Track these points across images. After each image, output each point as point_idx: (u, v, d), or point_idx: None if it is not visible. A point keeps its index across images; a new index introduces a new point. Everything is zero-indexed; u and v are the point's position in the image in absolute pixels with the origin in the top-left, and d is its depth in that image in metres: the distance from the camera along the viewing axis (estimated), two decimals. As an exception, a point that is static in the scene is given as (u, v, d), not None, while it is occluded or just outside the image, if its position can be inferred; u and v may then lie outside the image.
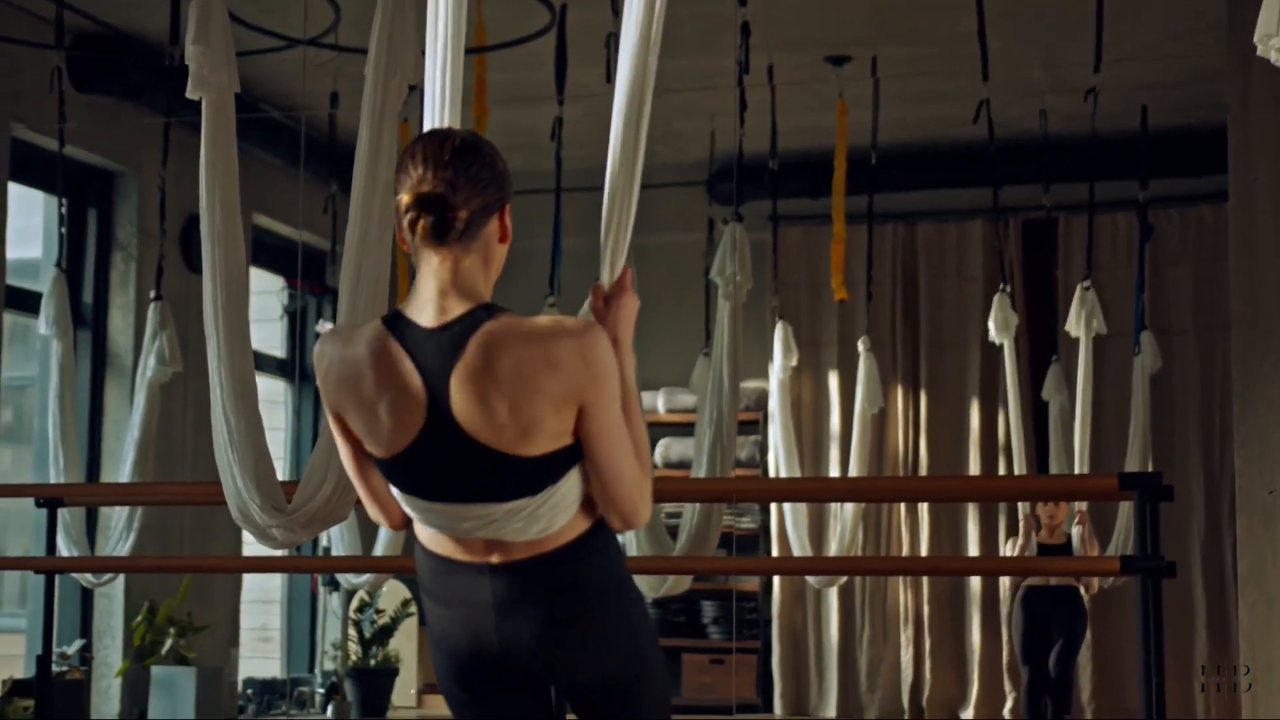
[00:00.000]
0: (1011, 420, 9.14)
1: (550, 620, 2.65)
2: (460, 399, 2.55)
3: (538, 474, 2.60)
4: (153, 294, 8.31)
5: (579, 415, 2.59)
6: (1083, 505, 8.27)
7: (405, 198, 2.63)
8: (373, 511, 2.85)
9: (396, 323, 2.64)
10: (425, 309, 2.63)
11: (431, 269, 2.65)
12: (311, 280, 11.74)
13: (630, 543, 8.41)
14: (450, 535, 2.67)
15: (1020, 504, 8.44)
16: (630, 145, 2.97)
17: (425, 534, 2.73)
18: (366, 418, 2.62)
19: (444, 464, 2.60)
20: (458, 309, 2.61)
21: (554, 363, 2.53)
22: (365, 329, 2.66)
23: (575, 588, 2.64)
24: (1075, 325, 9.08)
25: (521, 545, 2.64)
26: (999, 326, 9.11)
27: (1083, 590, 8.28)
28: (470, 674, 2.73)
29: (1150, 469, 8.91)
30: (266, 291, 11.68)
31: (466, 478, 2.60)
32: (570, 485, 2.64)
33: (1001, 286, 9.20)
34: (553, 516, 2.63)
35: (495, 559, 2.65)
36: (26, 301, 9.23)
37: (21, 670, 9.22)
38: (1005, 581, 11.25)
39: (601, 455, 2.62)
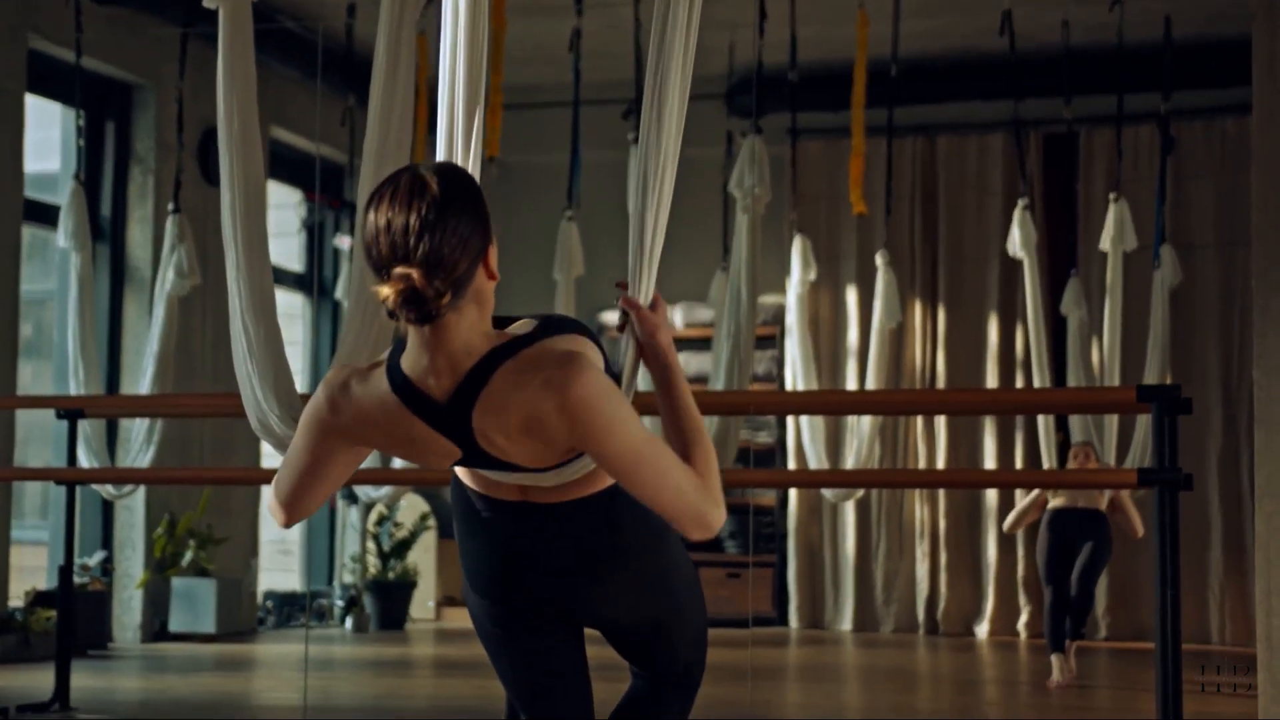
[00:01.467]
0: (1031, 335, 9.12)
1: (586, 560, 2.65)
2: (486, 443, 2.50)
3: (576, 459, 2.60)
4: (171, 207, 8.32)
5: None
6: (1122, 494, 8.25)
7: (381, 291, 2.40)
8: (275, 507, 2.65)
9: (406, 390, 2.51)
10: (428, 379, 2.49)
11: (423, 339, 2.48)
12: (329, 194, 11.72)
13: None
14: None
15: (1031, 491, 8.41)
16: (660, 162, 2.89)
17: (462, 470, 2.72)
18: (401, 451, 2.58)
19: (488, 465, 2.59)
20: (460, 372, 2.49)
21: (543, 420, 2.44)
22: (377, 386, 2.53)
23: (612, 528, 2.60)
24: (1107, 238, 9.06)
25: (558, 489, 2.64)
26: (1020, 241, 9.08)
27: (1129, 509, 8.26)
28: (505, 612, 2.73)
29: (1169, 383, 8.90)
30: (284, 205, 11.67)
31: (508, 469, 2.59)
32: None
33: (1022, 201, 9.16)
34: (593, 474, 2.63)
35: (534, 499, 2.65)
36: (45, 215, 9.23)
37: (44, 582, 9.30)
38: (1021, 497, 11.26)
39: (633, 483, 2.48)
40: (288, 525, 2.65)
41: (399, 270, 2.37)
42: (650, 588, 2.68)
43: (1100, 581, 10.56)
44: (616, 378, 2.64)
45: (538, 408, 2.42)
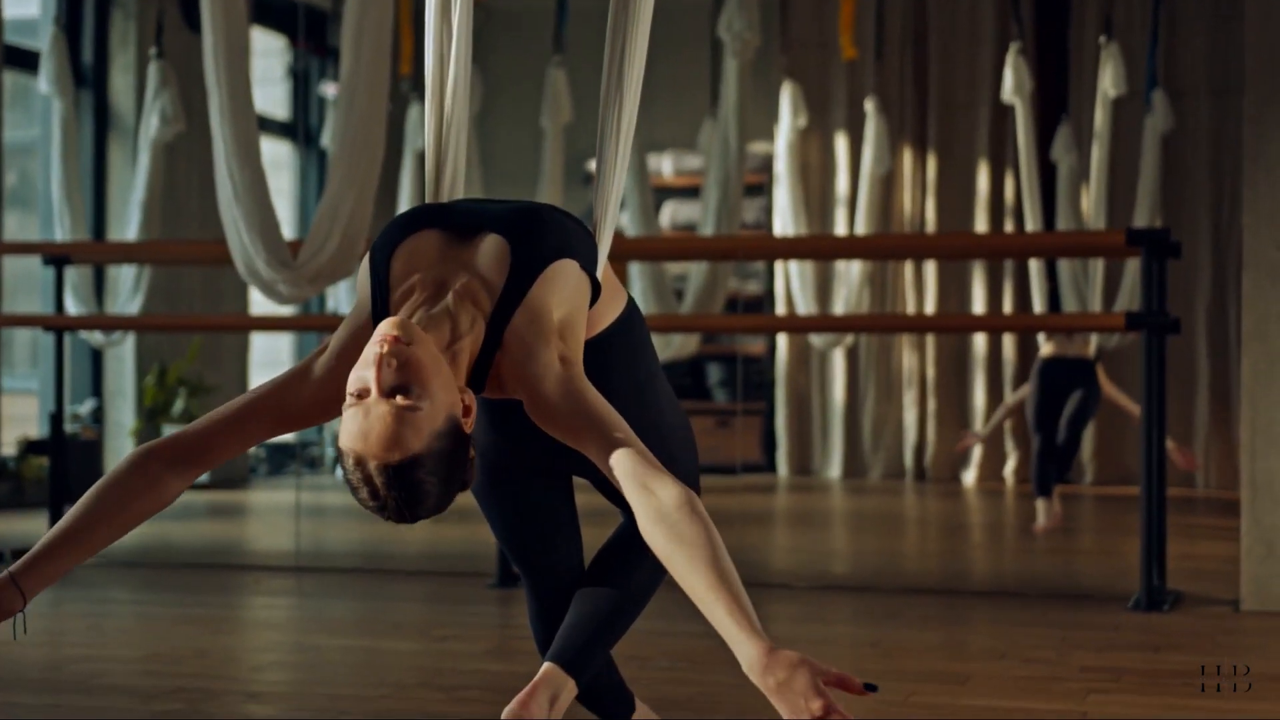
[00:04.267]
0: (1022, 181, 9.09)
1: None
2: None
3: None
4: (153, 51, 8.22)
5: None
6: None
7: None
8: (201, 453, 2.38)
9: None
10: None
11: None
12: (314, 41, 11.59)
13: (638, 304, 8.43)
14: None
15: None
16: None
17: None
18: None
19: None
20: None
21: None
22: None
23: (601, 376, 2.51)
24: (1100, 83, 9.00)
25: None
26: (1012, 86, 9.01)
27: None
28: (493, 464, 2.73)
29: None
30: (269, 53, 11.54)
31: None
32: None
33: (1014, 45, 9.07)
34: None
35: None
36: (26, 60, 9.13)
37: (36, 430, 9.34)
38: (1009, 345, 11.31)
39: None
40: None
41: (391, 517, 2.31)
42: (641, 439, 2.67)
43: (1086, 427, 10.62)
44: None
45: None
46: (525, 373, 2.33)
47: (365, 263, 2.46)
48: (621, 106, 2.61)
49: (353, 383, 2.24)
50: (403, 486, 2.24)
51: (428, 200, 2.63)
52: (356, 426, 2.22)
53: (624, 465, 2.24)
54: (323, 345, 2.43)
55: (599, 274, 2.51)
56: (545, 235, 2.42)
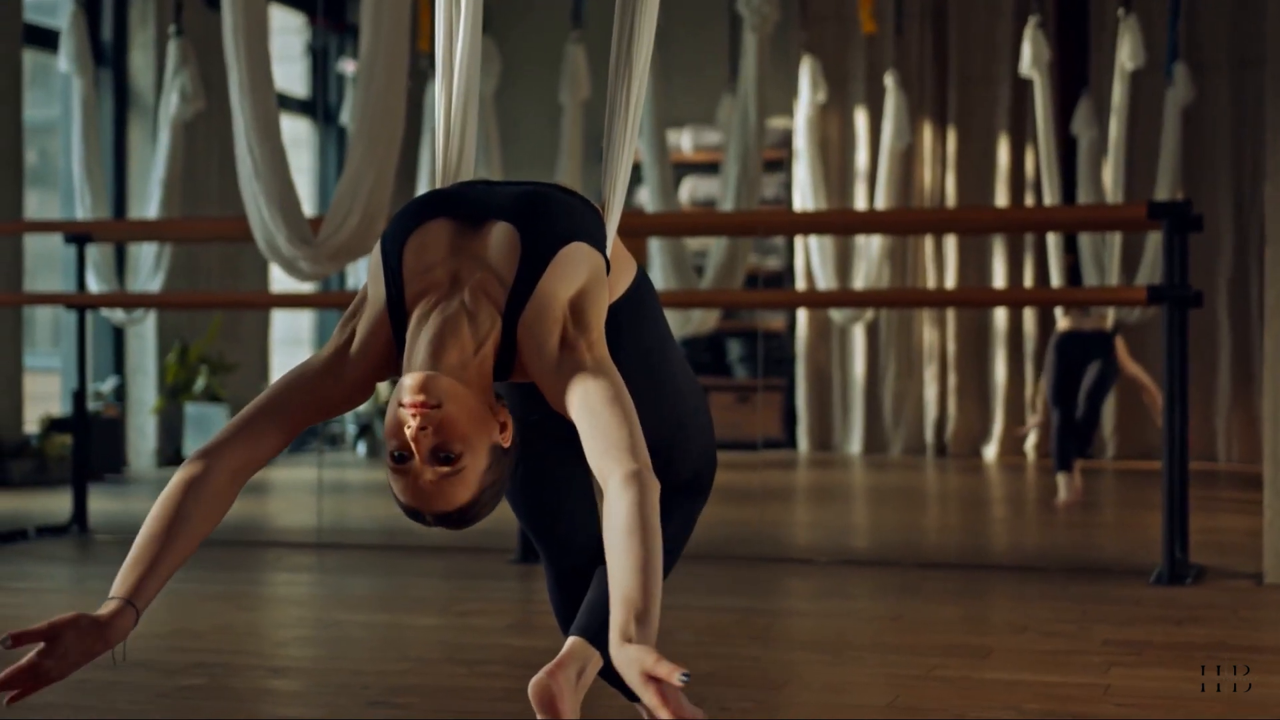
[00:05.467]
0: (1041, 155, 9.05)
1: None
2: None
3: None
4: (173, 29, 8.22)
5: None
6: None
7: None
8: (236, 430, 2.42)
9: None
10: None
11: None
12: (333, 18, 11.59)
13: (657, 280, 8.44)
14: None
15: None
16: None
17: None
18: None
19: None
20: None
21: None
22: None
23: (612, 347, 2.50)
24: (1120, 56, 8.95)
25: None
26: (1031, 59, 8.97)
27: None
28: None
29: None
30: (287, 30, 11.54)
31: None
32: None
33: (1034, 18, 9.03)
34: None
35: None
36: (46, 39, 9.14)
37: (59, 408, 9.37)
38: (1030, 320, 11.28)
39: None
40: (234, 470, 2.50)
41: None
42: (654, 411, 2.66)
43: (1109, 401, 10.60)
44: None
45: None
46: (534, 363, 2.36)
47: (377, 252, 2.47)
48: (630, 82, 2.61)
49: (389, 442, 2.29)
50: (459, 523, 2.36)
51: (439, 179, 2.63)
52: (406, 491, 2.32)
53: (592, 453, 2.27)
54: (342, 335, 2.45)
55: (608, 251, 2.51)
56: (553, 220, 2.43)
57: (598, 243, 2.47)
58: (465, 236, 2.44)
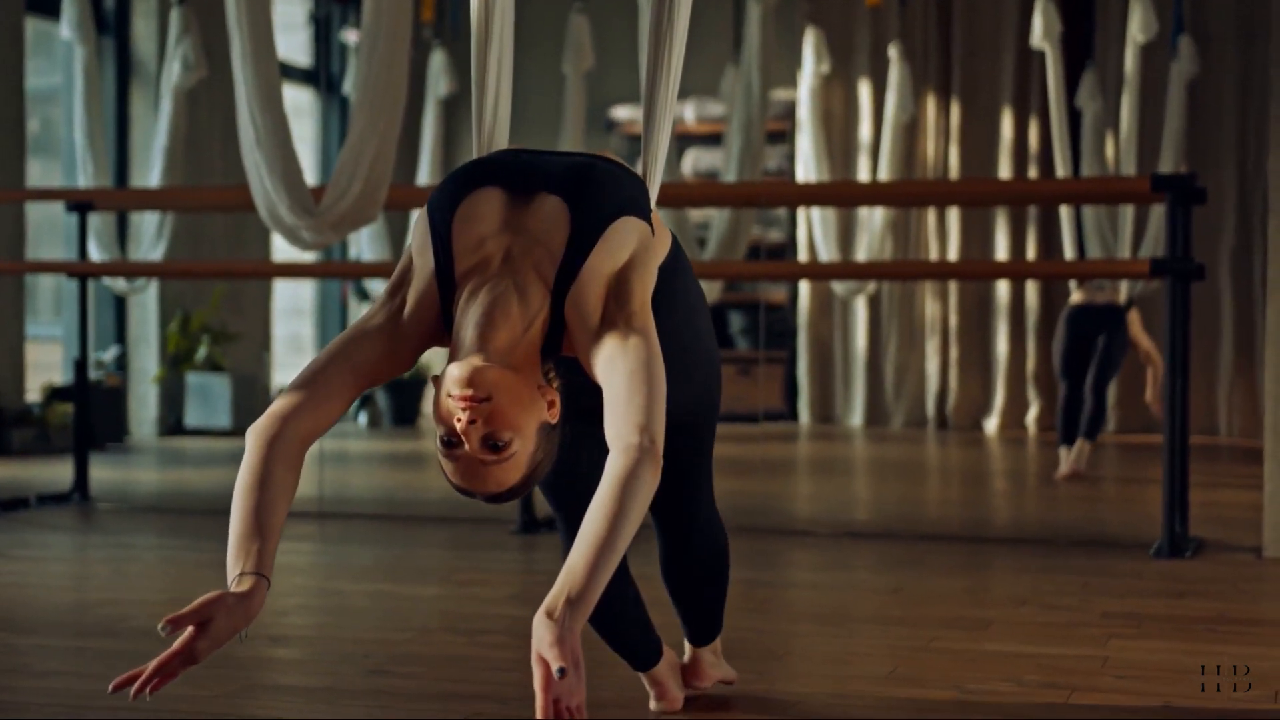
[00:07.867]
0: (1054, 128, 9.01)
1: None
2: None
3: None
4: (175, -2, 8.20)
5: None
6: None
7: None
8: (296, 395, 2.42)
9: None
10: None
11: None
12: (335, -13, 11.55)
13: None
14: None
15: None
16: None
17: None
18: None
19: None
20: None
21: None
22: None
23: None
24: (1130, 26, 8.90)
25: None
26: (1041, 31, 8.92)
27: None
28: None
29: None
30: (290, -1, 11.51)
31: None
32: None
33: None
34: None
35: None
36: (48, 7, 9.12)
37: (60, 377, 9.37)
38: (1032, 293, 11.27)
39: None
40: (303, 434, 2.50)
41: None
42: (685, 389, 2.66)
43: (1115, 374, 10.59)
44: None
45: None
46: (579, 337, 2.39)
47: (423, 221, 2.46)
48: (671, 52, 2.62)
49: (439, 427, 2.32)
50: (509, 499, 2.40)
51: (476, 147, 2.62)
52: (457, 473, 2.35)
53: (607, 421, 2.30)
54: (393, 302, 2.45)
55: (651, 219, 2.52)
56: (602, 196, 2.43)
57: (643, 212, 2.48)
58: (515, 209, 2.44)
